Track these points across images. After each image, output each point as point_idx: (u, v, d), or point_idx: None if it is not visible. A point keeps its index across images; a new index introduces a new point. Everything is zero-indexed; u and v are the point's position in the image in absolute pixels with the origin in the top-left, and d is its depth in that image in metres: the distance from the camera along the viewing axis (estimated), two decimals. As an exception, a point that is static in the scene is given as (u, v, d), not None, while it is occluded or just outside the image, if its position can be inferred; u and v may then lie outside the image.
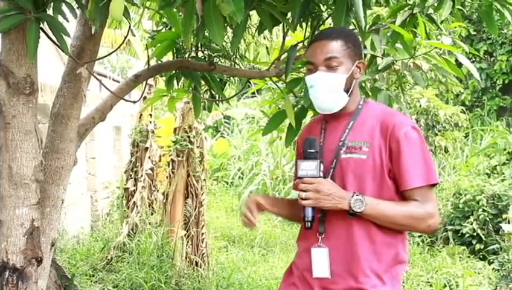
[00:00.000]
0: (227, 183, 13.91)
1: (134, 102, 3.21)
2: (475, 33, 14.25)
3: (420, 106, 7.45)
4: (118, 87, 3.36)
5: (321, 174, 2.13)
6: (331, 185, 2.10)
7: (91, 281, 6.39)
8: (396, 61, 3.20)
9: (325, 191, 2.08)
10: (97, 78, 2.73)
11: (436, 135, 7.71)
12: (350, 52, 2.18)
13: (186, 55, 3.43)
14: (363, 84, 3.34)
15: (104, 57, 2.89)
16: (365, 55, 2.95)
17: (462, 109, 8.20)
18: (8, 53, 2.49)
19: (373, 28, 3.11)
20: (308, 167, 2.12)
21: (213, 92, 3.89)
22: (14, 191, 2.63)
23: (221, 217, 10.62)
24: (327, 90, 2.15)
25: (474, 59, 14.02)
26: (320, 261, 2.13)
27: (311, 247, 2.17)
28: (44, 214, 2.85)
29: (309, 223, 2.14)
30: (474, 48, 12.89)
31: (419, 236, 9.07)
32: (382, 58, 3.20)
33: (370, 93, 3.35)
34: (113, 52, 3.55)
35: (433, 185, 2.15)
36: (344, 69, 2.16)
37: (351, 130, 2.19)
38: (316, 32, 2.64)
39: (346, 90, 2.18)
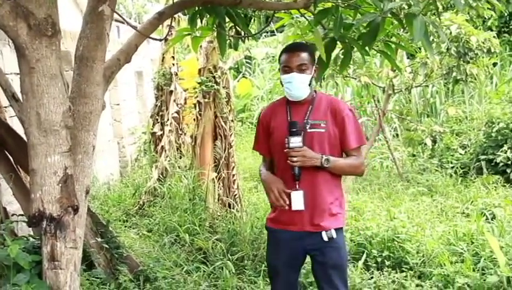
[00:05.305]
0: (251, 124, 13.82)
1: (160, 40, 3.08)
2: (503, -46, 13.62)
3: (451, 33, 7.13)
4: (141, 26, 3.23)
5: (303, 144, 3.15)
6: (310, 151, 3.13)
7: (125, 227, 6.42)
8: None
9: (308, 155, 3.11)
10: (119, 15, 2.59)
11: (468, 62, 7.39)
12: (312, 60, 3.19)
13: (210, -10, 3.26)
14: (395, 11, 3.14)
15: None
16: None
17: (494, 34, 7.82)
18: (26, -7, 2.36)
19: None
20: (296, 141, 3.11)
21: (238, 29, 3.75)
22: (44, 138, 2.55)
23: (248, 158, 10.57)
24: (299, 85, 3.15)
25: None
26: (298, 199, 3.15)
27: (291, 191, 3.16)
28: (76, 161, 2.76)
29: (297, 177, 3.15)
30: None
31: (451, 167, 8.95)
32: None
33: (404, 21, 3.14)
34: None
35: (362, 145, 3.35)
36: (309, 72, 3.16)
37: (311, 113, 3.21)
38: (288, 44, 3.46)
39: (309, 85, 3.18)
